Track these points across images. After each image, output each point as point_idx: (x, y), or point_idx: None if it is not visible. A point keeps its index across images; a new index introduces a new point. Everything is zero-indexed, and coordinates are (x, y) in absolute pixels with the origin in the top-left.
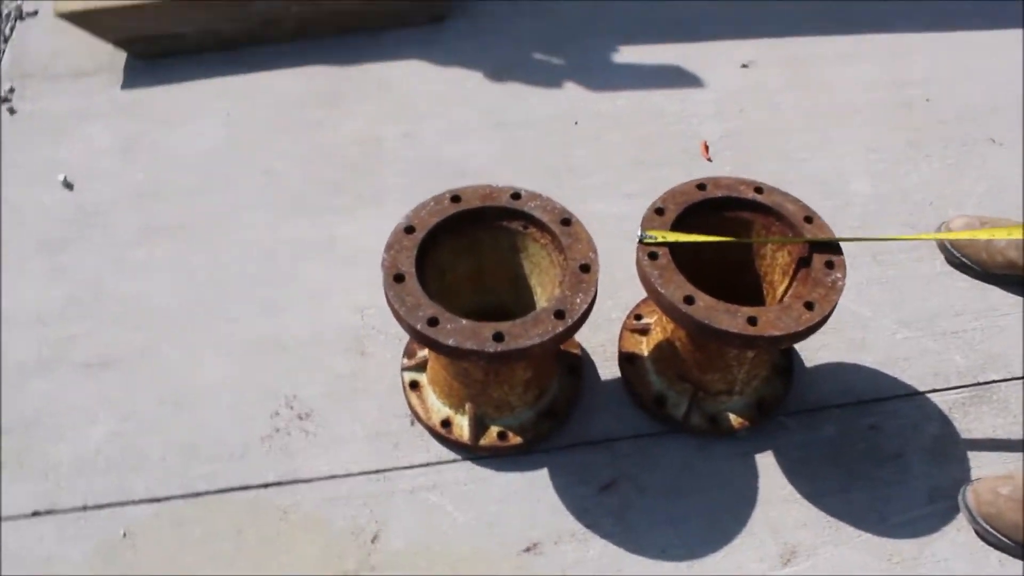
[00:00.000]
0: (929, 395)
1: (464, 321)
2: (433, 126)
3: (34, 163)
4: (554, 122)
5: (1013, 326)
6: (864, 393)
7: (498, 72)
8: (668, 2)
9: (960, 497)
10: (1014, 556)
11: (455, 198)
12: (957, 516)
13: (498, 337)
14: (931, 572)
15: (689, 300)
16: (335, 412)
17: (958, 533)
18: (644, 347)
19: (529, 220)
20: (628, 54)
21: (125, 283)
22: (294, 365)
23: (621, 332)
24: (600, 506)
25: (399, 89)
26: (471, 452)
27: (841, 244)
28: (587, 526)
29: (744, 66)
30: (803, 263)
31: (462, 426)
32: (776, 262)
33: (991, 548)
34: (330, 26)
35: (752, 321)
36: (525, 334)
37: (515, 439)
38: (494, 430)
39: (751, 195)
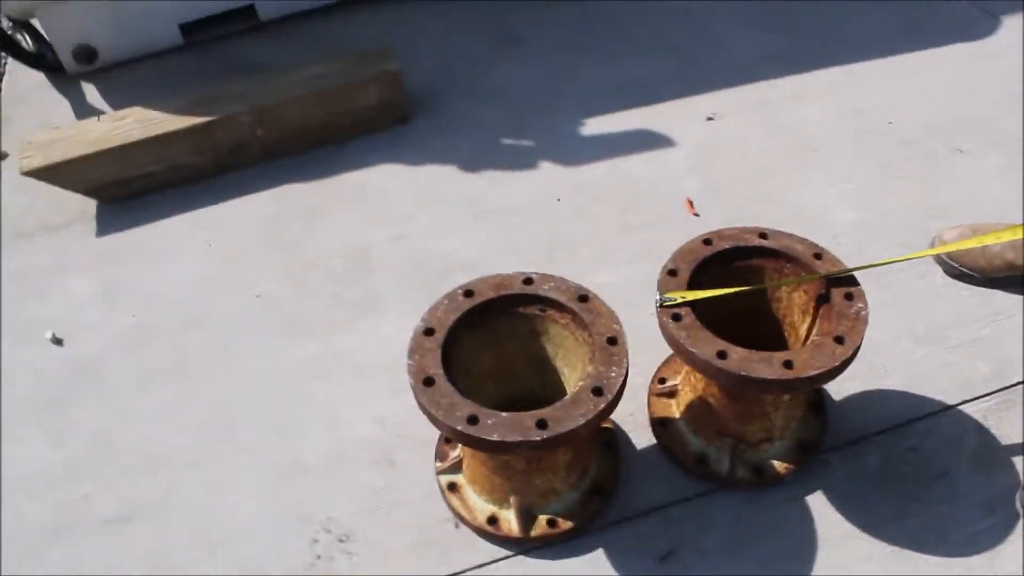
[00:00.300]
0: (960, 407)
1: (504, 414)
2: (418, 225)
3: (19, 324)
4: (536, 202)
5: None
6: (897, 417)
7: (471, 163)
8: (622, 70)
9: (1017, 502)
10: None
11: (468, 292)
12: (1018, 523)
13: (542, 424)
14: None
15: (722, 355)
16: (375, 529)
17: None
18: (675, 409)
19: (546, 303)
20: (594, 125)
21: (132, 432)
22: (323, 486)
23: (648, 398)
24: None
25: (377, 194)
26: (522, 545)
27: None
28: None
29: (710, 119)
30: (822, 300)
31: (509, 520)
32: (793, 303)
33: None
34: (297, 144)
35: (788, 365)
36: (568, 416)
37: (566, 524)
38: (543, 519)
39: (757, 241)
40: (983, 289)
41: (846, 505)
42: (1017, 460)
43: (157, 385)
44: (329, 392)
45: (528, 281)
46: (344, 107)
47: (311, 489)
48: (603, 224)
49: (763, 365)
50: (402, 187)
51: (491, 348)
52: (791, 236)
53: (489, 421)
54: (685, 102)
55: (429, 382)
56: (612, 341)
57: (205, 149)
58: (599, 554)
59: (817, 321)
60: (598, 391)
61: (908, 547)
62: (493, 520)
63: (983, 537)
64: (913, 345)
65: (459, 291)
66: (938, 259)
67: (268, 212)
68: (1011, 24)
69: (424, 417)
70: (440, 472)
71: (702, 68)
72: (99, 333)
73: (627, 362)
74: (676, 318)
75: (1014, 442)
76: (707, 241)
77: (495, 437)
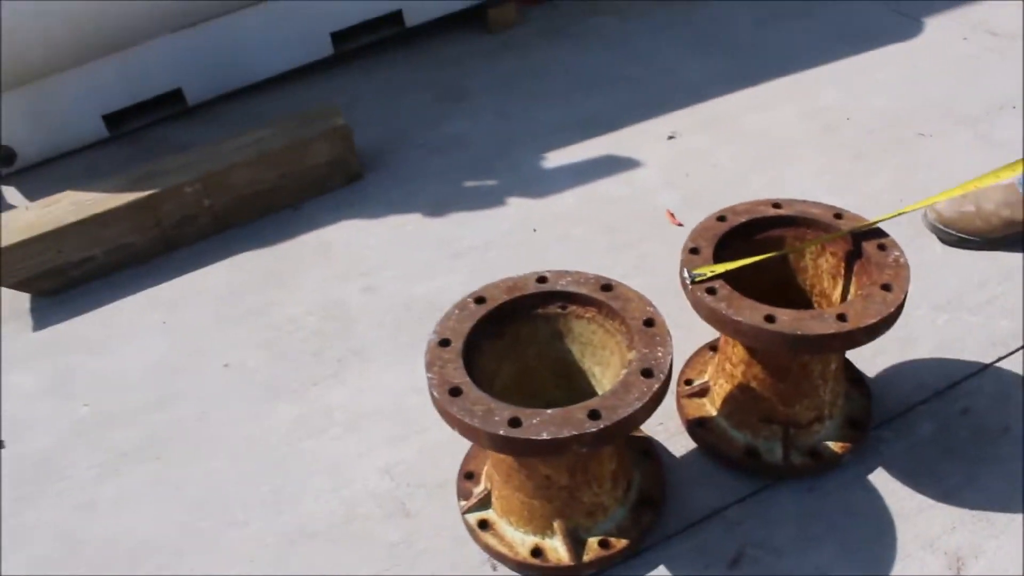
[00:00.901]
0: (997, 364)
1: (548, 411)
2: (391, 274)
3: None
4: (512, 235)
5: None
6: (938, 383)
7: (437, 208)
8: (574, 107)
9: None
10: None
11: (479, 299)
12: None
13: (594, 415)
14: None
15: (770, 319)
16: None
17: None
18: (710, 407)
19: (566, 298)
20: (557, 158)
21: (102, 525)
22: (335, 551)
23: (678, 403)
24: None
25: (341, 250)
26: (576, 574)
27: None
28: None
29: (671, 137)
30: (854, 257)
31: (556, 549)
32: (821, 269)
33: None
34: (248, 210)
35: (842, 318)
36: (621, 403)
37: (620, 543)
38: (593, 541)
39: (772, 212)
40: (985, 252)
41: (913, 477)
42: None
43: (125, 472)
44: (324, 450)
45: (542, 280)
46: (294, 167)
47: (323, 556)
48: (589, 245)
49: (816, 322)
50: (367, 240)
51: (511, 358)
52: (805, 202)
53: (534, 421)
54: (643, 126)
55: (456, 392)
56: (650, 323)
57: (149, 226)
58: (661, 572)
59: (853, 279)
60: (647, 372)
61: (992, 509)
62: (538, 552)
63: None
64: (934, 313)
65: (468, 299)
66: (934, 229)
67: (226, 282)
68: (933, 23)
69: (436, 459)
70: (467, 511)
71: (653, 95)
72: (49, 427)
73: (671, 342)
74: (711, 292)
75: None
76: (721, 218)
77: (544, 436)
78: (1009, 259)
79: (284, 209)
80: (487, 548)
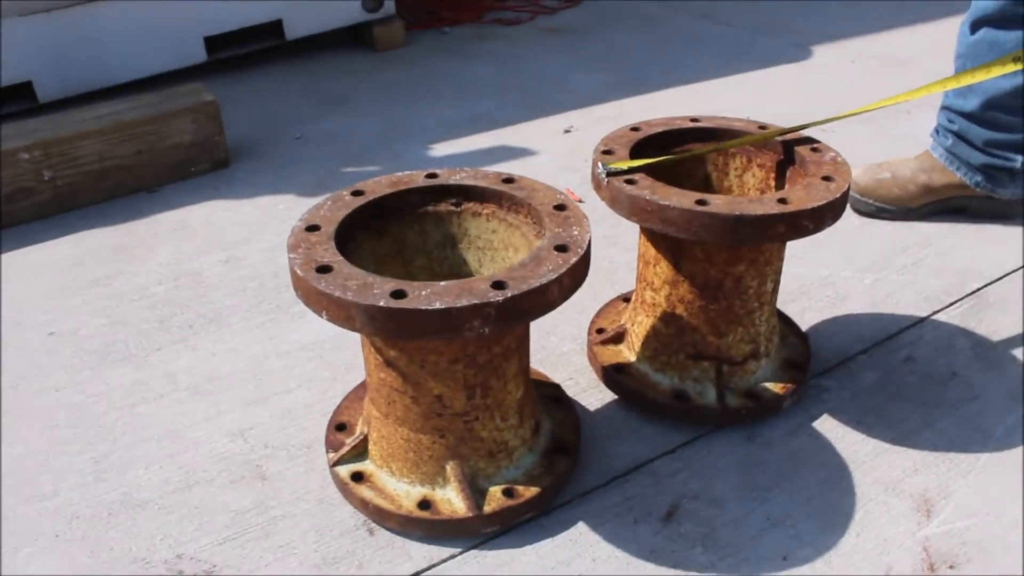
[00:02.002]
0: (934, 317)
1: (441, 283)
2: (257, 247)
3: None
4: None
5: (958, 244)
6: (876, 335)
7: (313, 189)
8: (463, 109)
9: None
10: None
11: (357, 192)
12: None
13: (499, 285)
14: None
15: (703, 203)
16: (251, 556)
17: None
18: (628, 352)
19: (461, 194)
20: (445, 148)
21: None
22: (164, 521)
23: (590, 353)
24: (676, 539)
25: (202, 227)
26: (474, 531)
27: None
28: (674, 566)
29: (567, 131)
30: (785, 165)
31: (449, 499)
32: (747, 185)
33: None
34: (97, 189)
35: (784, 201)
36: (532, 274)
37: (529, 491)
38: (496, 490)
39: (691, 124)
40: (902, 223)
41: (864, 423)
42: (1017, 352)
43: None
44: (161, 415)
45: (432, 175)
46: (152, 145)
47: (148, 527)
48: None
49: (755, 204)
50: (231, 218)
51: (393, 269)
52: (725, 118)
53: (424, 292)
54: (538, 122)
55: (325, 269)
56: (561, 207)
57: None
58: (582, 529)
59: (787, 185)
60: (562, 247)
61: (954, 450)
62: (426, 504)
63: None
64: (860, 273)
65: (344, 192)
66: (850, 199)
67: (62, 256)
68: (820, 50)
69: (299, 420)
70: (336, 463)
71: (546, 99)
72: None
73: (588, 224)
74: (631, 183)
75: (1005, 337)
76: (635, 128)
77: (438, 305)
78: (927, 227)
79: (138, 192)
80: (362, 504)
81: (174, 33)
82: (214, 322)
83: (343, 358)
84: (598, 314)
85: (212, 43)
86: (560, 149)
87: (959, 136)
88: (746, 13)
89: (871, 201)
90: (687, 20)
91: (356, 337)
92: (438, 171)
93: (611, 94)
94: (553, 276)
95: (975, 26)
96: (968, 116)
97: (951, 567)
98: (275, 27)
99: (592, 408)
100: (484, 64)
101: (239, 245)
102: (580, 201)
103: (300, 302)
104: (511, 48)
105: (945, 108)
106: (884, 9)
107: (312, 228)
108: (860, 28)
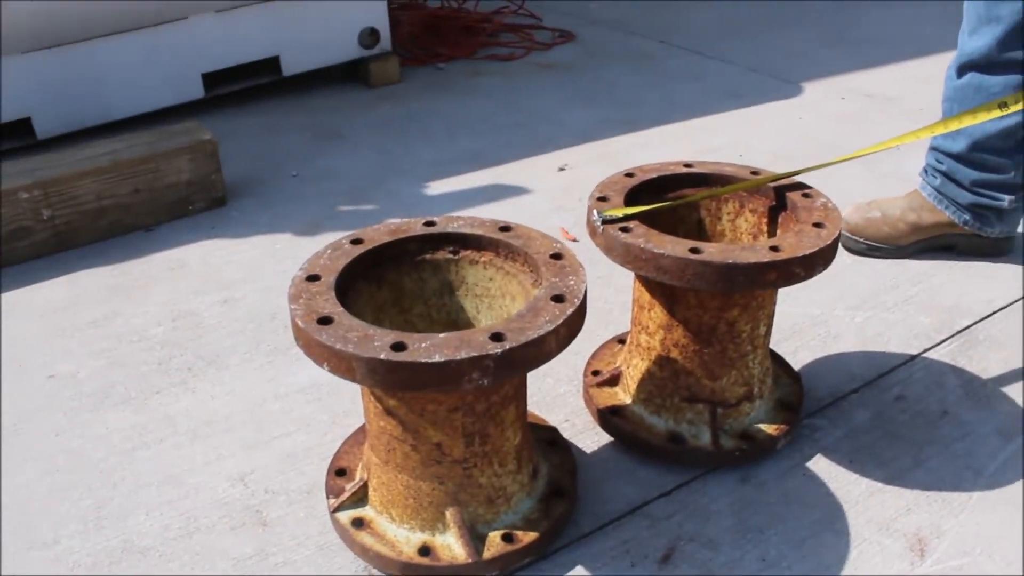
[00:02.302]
0: (925, 355)
1: (441, 335)
2: (254, 287)
3: None
4: None
5: (948, 281)
6: (867, 374)
7: (309, 229)
8: (457, 147)
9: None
10: None
11: (356, 240)
12: None
13: (497, 337)
14: None
15: (696, 251)
16: None
17: None
18: (623, 395)
19: (459, 242)
20: (441, 187)
21: None
22: (166, 569)
23: (586, 395)
24: None
25: (200, 267)
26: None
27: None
28: None
29: (561, 169)
30: (777, 210)
31: (449, 545)
32: (740, 230)
33: None
34: (94, 230)
35: (776, 249)
36: (530, 326)
37: (528, 537)
38: (495, 536)
39: (684, 170)
40: (892, 260)
41: (856, 463)
42: (1007, 389)
43: None
44: (162, 460)
45: (431, 223)
46: (150, 183)
47: (152, 574)
48: None
49: (747, 252)
50: (228, 258)
51: (391, 317)
52: (718, 163)
53: (423, 344)
54: (532, 160)
55: (326, 320)
56: (558, 256)
57: None
58: (581, 573)
59: (779, 231)
60: (559, 298)
61: (945, 489)
62: (426, 550)
63: (1017, 461)
64: (851, 312)
65: (344, 240)
66: (841, 238)
67: (61, 295)
68: (811, 87)
69: (299, 465)
70: (337, 508)
71: (540, 137)
72: None
73: (584, 273)
74: (626, 230)
75: (995, 375)
76: (629, 174)
77: (437, 358)
78: (917, 265)
79: (136, 231)
80: (363, 551)
81: (172, 69)
82: (212, 364)
83: (341, 401)
84: (594, 356)
85: (210, 79)
86: (554, 187)
87: (947, 176)
88: (738, 51)
89: (861, 240)
90: (680, 57)
91: None
92: (436, 218)
93: (605, 131)
94: (550, 327)
95: (961, 70)
96: (956, 157)
97: None
98: (272, 63)
99: (588, 451)
100: (479, 100)
101: (236, 285)
102: (574, 240)
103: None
104: (505, 84)
105: (933, 149)
106: (872, 47)
107: (312, 278)
108: (849, 65)
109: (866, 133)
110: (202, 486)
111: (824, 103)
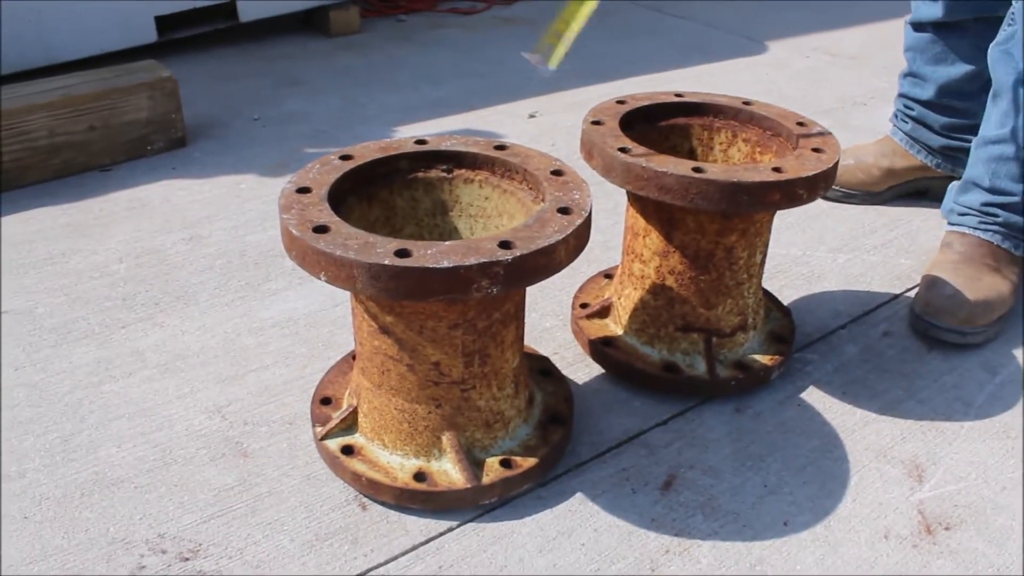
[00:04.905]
0: (908, 294)
1: (446, 242)
2: (221, 225)
3: None
4: None
5: (924, 227)
6: (853, 311)
7: (275, 169)
8: (424, 93)
9: None
10: None
11: (345, 156)
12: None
13: (506, 245)
14: None
15: (699, 170)
16: (238, 534)
17: None
18: (615, 326)
19: (453, 159)
20: (406, 131)
21: None
22: (142, 500)
23: (575, 327)
24: (675, 507)
25: (162, 206)
26: (473, 502)
27: None
28: (677, 535)
29: (532, 116)
30: (771, 140)
31: (446, 471)
32: (731, 158)
33: None
34: (45, 167)
35: (778, 170)
36: (539, 235)
37: (526, 462)
38: (493, 461)
39: (676, 99)
40: (868, 207)
41: (849, 394)
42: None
43: None
44: (132, 393)
45: (422, 142)
46: (106, 120)
47: (125, 507)
48: None
49: (751, 172)
50: (192, 197)
51: (383, 232)
52: (710, 94)
53: (429, 251)
54: (502, 107)
55: (322, 229)
56: (558, 172)
57: None
58: (581, 499)
59: (775, 157)
60: (565, 210)
61: (938, 419)
62: (422, 476)
63: (1004, 394)
64: (832, 254)
65: (333, 155)
66: None
67: (11, 233)
68: (776, 46)
69: (279, 396)
70: (325, 436)
71: (508, 85)
72: None
73: (588, 189)
74: (623, 150)
75: None
76: (621, 101)
77: (445, 264)
78: (893, 211)
79: (91, 171)
80: (354, 478)
81: (123, 10)
82: (181, 300)
83: (320, 335)
84: (580, 290)
85: (163, 23)
86: (525, 133)
87: (918, 121)
88: (698, 8)
89: (836, 187)
90: (641, 13)
91: (332, 314)
92: (427, 137)
93: (574, 82)
94: (559, 237)
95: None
96: (925, 104)
97: (947, 528)
98: (229, 8)
99: (580, 382)
100: (442, 51)
101: (202, 223)
102: None
103: (272, 279)
104: (468, 36)
105: (902, 95)
106: (834, 8)
107: (303, 190)
108: (812, 25)
109: (834, 89)
110: (176, 418)
111: (789, 61)
